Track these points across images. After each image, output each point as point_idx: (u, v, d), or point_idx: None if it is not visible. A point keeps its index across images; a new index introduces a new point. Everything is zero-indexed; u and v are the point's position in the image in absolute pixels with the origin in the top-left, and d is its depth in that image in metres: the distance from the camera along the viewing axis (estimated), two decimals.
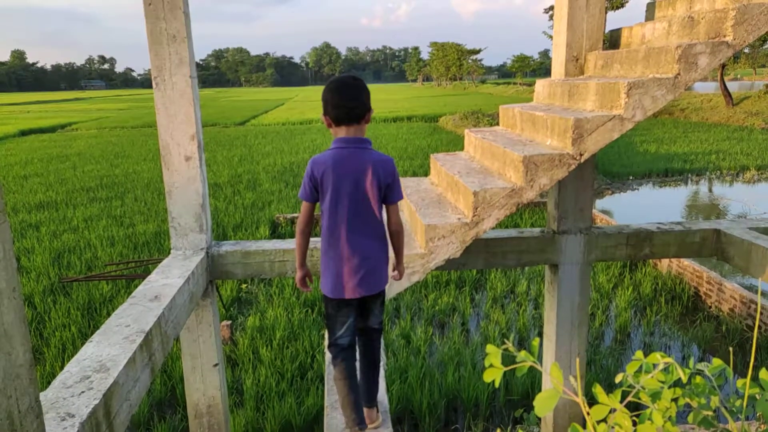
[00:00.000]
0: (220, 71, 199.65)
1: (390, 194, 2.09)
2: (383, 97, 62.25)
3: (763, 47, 47.32)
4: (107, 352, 2.64)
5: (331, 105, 2.05)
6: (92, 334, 2.81)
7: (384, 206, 2.14)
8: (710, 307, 7.58)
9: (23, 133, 32.85)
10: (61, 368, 2.51)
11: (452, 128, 27.51)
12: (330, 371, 2.46)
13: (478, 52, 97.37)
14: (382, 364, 2.41)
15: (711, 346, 6.65)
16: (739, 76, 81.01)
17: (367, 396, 2.20)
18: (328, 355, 2.51)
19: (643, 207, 13.85)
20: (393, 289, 3.50)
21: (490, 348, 1.41)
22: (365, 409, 2.18)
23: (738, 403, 1.41)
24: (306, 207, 2.13)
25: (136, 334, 2.84)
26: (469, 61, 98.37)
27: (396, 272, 2.29)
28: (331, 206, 2.05)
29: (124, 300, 3.33)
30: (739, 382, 1.39)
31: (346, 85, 2.06)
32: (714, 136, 23.58)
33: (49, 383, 2.34)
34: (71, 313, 7.30)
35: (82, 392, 2.27)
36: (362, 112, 2.07)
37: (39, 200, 13.88)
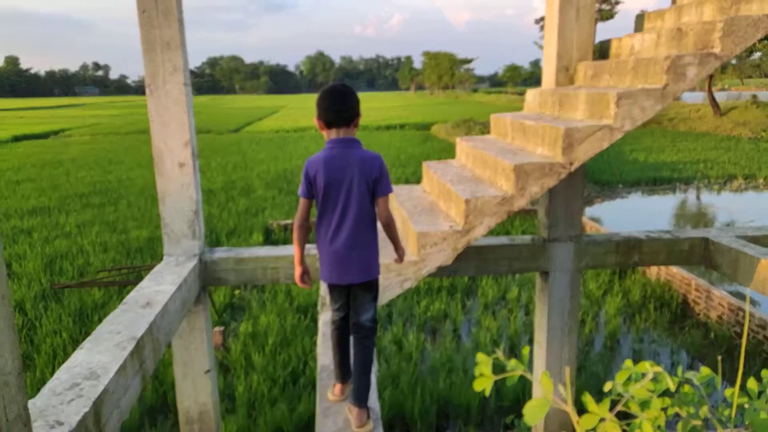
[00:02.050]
0: (214, 78, 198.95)
1: (378, 188, 2.24)
2: (376, 105, 62.28)
3: (750, 58, 47.80)
4: (98, 359, 2.62)
5: (323, 109, 2.24)
6: (83, 340, 2.79)
7: (374, 200, 2.29)
8: (699, 314, 7.63)
9: (16, 139, 32.62)
10: (52, 375, 2.51)
11: (444, 136, 27.56)
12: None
13: (470, 61, 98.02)
14: (374, 370, 2.49)
15: (700, 353, 6.70)
16: (726, 86, 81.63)
17: (358, 395, 2.25)
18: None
19: (632, 215, 13.93)
20: (385, 295, 3.51)
21: (480, 357, 1.44)
22: (356, 409, 2.23)
23: (726, 412, 1.43)
24: (303, 203, 2.30)
25: (127, 340, 2.82)
26: (462, 70, 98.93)
27: (397, 257, 2.46)
28: (324, 201, 2.23)
29: (116, 306, 3.31)
30: (728, 391, 1.42)
31: (337, 92, 2.26)
32: (702, 145, 23.75)
33: (39, 390, 2.31)
34: (63, 319, 7.26)
35: (72, 400, 2.26)
36: (351, 116, 2.26)
37: (31, 206, 13.80)
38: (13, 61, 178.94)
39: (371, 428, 2.23)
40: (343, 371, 2.39)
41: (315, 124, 2.34)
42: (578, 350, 5.81)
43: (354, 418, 2.23)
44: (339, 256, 2.23)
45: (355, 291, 2.29)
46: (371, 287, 2.31)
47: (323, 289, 3.32)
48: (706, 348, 6.79)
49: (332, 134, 2.26)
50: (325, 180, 2.21)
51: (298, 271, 2.37)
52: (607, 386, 1.40)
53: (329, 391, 2.46)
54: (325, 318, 3.04)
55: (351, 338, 2.36)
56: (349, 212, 2.21)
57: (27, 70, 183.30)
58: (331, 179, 2.21)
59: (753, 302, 7.81)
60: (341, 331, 2.37)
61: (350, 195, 2.21)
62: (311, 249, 4.53)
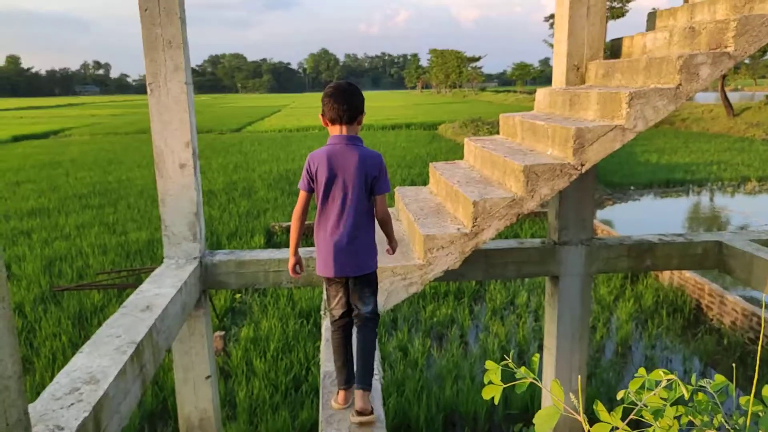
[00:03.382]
0: (216, 77, 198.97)
1: (377, 186, 2.33)
2: (381, 104, 62.15)
3: (764, 58, 47.39)
4: (97, 364, 2.62)
5: (328, 107, 2.34)
6: (83, 344, 2.81)
7: (372, 197, 2.38)
8: (712, 319, 7.52)
9: (16, 139, 32.64)
10: (51, 378, 2.53)
11: (452, 136, 27.42)
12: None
13: (478, 59, 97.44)
14: (378, 378, 2.52)
15: (712, 359, 6.59)
16: (739, 86, 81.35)
17: (363, 379, 2.34)
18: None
19: (644, 218, 13.78)
20: (391, 300, 3.43)
21: (489, 364, 1.47)
22: (360, 392, 2.30)
23: (741, 420, 1.42)
24: (302, 196, 2.40)
25: (127, 345, 2.83)
26: (469, 68, 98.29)
27: (389, 248, 2.57)
28: (324, 195, 2.31)
29: (116, 310, 3.30)
30: (742, 399, 1.39)
31: (342, 90, 2.35)
32: (715, 146, 23.51)
33: (38, 394, 2.37)
34: (62, 322, 7.19)
35: (72, 404, 2.27)
36: (355, 114, 2.34)
37: (31, 207, 13.74)
38: (14, 60, 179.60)
39: (374, 418, 2.26)
40: (346, 376, 2.39)
41: (319, 123, 2.47)
42: (589, 357, 5.71)
43: (357, 399, 2.29)
44: (337, 250, 2.30)
45: (354, 285, 2.36)
46: (369, 281, 2.38)
47: (325, 330, 3.28)
48: (719, 354, 6.69)
49: (335, 131, 2.36)
50: (326, 175, 2.29)
51: (291, 261, 2.45)
52: (620, 394, 1.42)
53: (332, 400, 2.45)
54: (328, 323, 2.98)
55: (355, 328, 2.41)
56: (348, 207, 2.29)
57: (28, 70, 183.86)
58: (332, 174, 2.29)
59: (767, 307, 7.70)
60: (343, 332, 2.40)
61: (350, 191, 2.29)
62: (313, 252, 4.46)
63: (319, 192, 2.32)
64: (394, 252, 2.58)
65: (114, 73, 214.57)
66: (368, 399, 2.30)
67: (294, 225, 2.41)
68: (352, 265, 2.32)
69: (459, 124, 29.53)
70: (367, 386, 2.31)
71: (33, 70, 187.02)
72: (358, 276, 2.35)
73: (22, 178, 18.10)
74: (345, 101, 2.31)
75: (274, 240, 11.20)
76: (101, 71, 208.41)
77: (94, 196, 15.07)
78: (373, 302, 2.38)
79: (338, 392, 2.42)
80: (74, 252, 10.01)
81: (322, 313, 3.35)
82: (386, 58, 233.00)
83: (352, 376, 2.38)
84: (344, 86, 2.37)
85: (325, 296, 2.80)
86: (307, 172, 2.35)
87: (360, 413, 2.26)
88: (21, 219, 12.57)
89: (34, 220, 12.40)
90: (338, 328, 2.40)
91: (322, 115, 2.38)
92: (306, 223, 2.48)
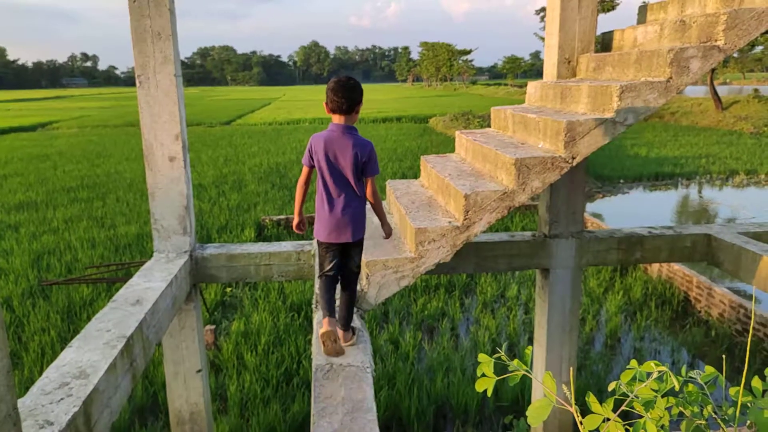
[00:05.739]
0: (205, 69, 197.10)
1: (366, 169, 2.72)
2: (372, 97, 61.88)
3: (752, 52, 47.78)
4: (87, 358, 2.62)
5: (330, 98, 2.73)
6: (72, 338, 2.78)
7: (363, 178, 2.78)
8: (700, 311, 7.60)
9: (3, 132, 32.28)
10: (40, 373, 2.52)
11: (442, 129, 27.44)
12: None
13: (468, 52, 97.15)
14: (370, 370, 2.68)
15: (700, 351, 6.66)
16: (728, 80, 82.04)
17: (344, 322, 2.88)
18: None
19: (634, 211, 13.89)
20: (382, 293, 3.43)
21: (482, 357, 1.49)
22: (341, 332, 2.84)
23: (730, 411, 1.42)
24: (305, 170, 2.81)
25: (117, 339, 2.82)
26: (460, 61, 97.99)
27: (384, 233, 2.95)
28: (321, 173, 2.71)
29: (105, 304, 3.27)
30: (732, 390, 1.40)
31: (341, 85, 2.72)
32: (704, 140, 23.73)
33: (27, 389, 2.38)
34: (51, 316, 7.13)
35: (62, 399, 2.28)
36: (353, 105, 2.74)
37: (18, 200, 13.60)
38: (0, 52, 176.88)
39: (355, 341, 2.91)
40: (330, 307, 2.82)
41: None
42: (579, 349, 5.75)
43: (341, 337, 2.87)
44: (335, 221, 2.71)
45: (348, 248, 2.81)
46: (358, 244, 2.85)
47: (317, 285, 3.31)
48: (707, 346, 6.76)
49: (335, 119, 2.74)
50: (323, 156, 2.68)
51: (295, 220, 2.90)
52: (611, 386, 1.44)
53: (318, 325, 2.83)
54: (320, 317, 3.00)
55: (340, 279, 2.88)
56: (342, 185, 2.70)
57: (14, 62, 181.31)
58: (329, 156, 2.69)
59: (756, 300, 7.77)
60: (331, 280, 2.86)
61: (343, 171, 2.69)
62: (306, 245, 4.45)
63: (318, 170, 2.71)
64: (389, 236, 2.98)
65: (102, 66, 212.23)
66: (350, 334, 2.93)
67: (297, 192, 2.88)
68: (347, 234, 2.74)
69: (450, 117, 29.52)
70: (349, 328, 2.93)
71: (19, 62, 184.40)
72: (354, 241, 2.79)
73: (10, 171, 17.89)
74: (344, 95, 2.69)
75: (264, 233, 11.16)
76: (89, 63, 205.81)
77: (83, 189, 14.92)
78: (358, 259, 2.88)
79: (324, 318, 2.79)
80: (63, 246, 9.93)
81: (313, 306, 3.35)
82: (377, 51, 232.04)
83: (334, 308, 2.81)
84: (344, 81, 2.73)
85: (318, 262, 3.03)
86: (309, 150, 2.75)
87: (346, 342, 2.89)
88: (8, 213, 12.43)
89: (21, 214, 12.27)
90: (328, 278, 2.83)
91: (326, 104, 2.78)
92: (305, 216, 2.89)
